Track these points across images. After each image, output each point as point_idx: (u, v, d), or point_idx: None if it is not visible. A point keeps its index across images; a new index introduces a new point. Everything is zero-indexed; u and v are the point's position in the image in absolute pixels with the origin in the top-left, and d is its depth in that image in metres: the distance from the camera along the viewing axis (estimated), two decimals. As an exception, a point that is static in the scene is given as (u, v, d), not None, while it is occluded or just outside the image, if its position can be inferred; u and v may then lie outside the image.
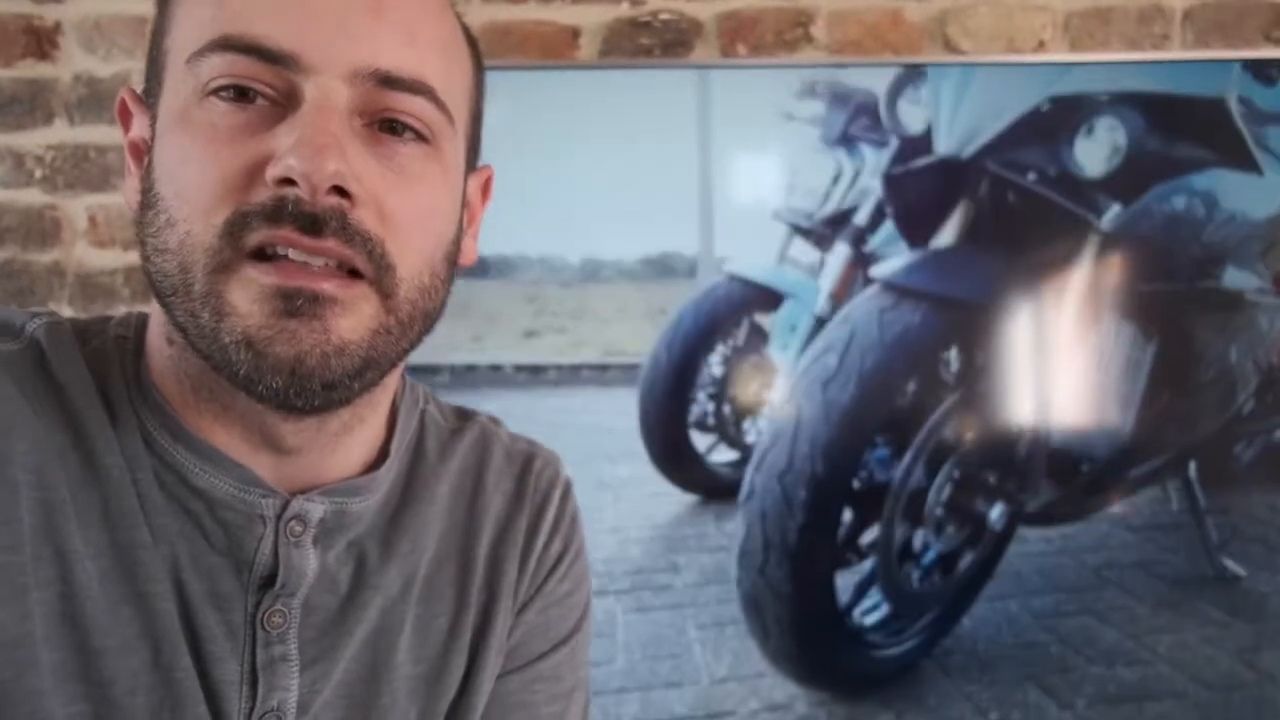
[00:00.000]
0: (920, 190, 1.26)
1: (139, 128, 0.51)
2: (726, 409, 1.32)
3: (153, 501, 0.48)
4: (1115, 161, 1.22)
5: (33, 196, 1.41)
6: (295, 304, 0.44)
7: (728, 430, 1.32)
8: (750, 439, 1.30)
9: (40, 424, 0.47)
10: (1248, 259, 1.23)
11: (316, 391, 0.45)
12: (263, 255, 0.44)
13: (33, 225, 1.41)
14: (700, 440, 1.32)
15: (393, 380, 0.55)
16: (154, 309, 0.50)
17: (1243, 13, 1.33)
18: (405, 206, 0.47)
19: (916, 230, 1.26)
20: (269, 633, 0.50)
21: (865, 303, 1.24)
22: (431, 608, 0.58)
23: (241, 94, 0.45)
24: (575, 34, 1.39)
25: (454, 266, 0.53)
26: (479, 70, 0.56)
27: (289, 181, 0.43)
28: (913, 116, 1.26)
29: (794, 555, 1.24)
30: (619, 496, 1.30)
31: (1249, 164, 1.22)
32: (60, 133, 1.41)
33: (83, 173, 1.41)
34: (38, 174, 1.41)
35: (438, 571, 0.59)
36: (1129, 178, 1.22)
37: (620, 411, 1.29)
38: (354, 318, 0.46)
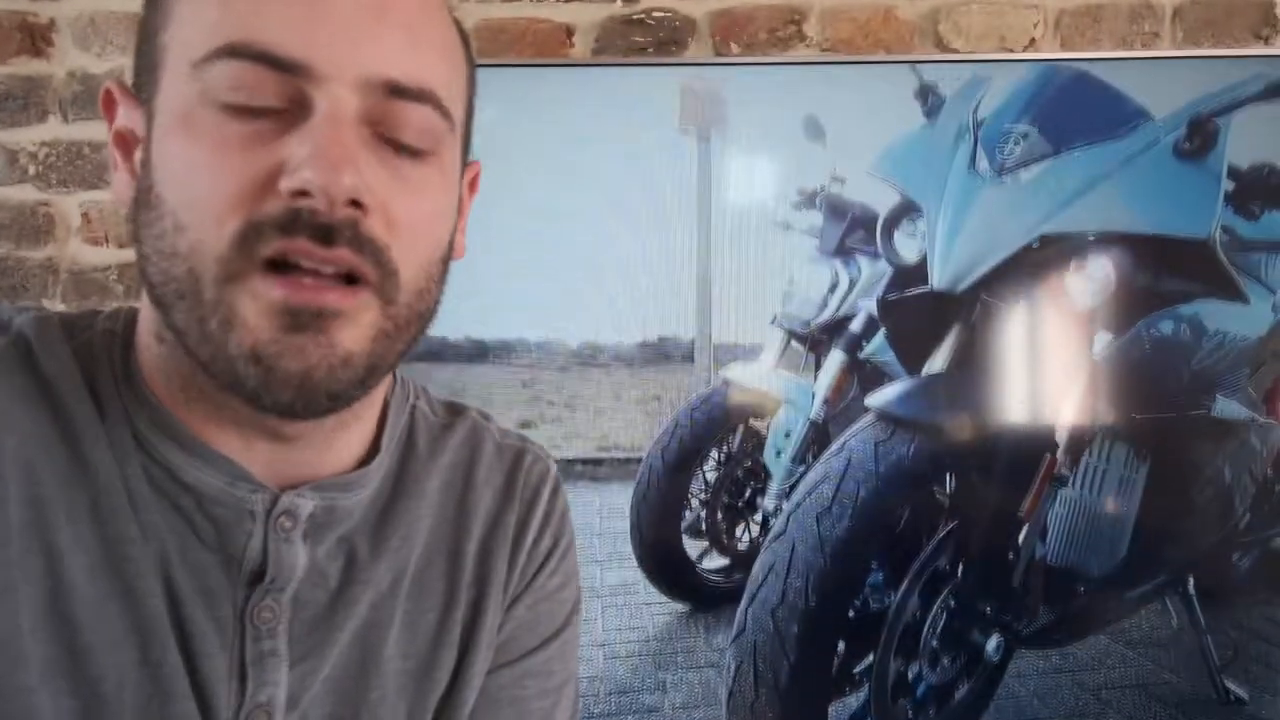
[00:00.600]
0: (914, 317, 1.28)
1: (128, 119, 0.50)
2: (719, 515, 1.32)
3: (141, 497, 0.48)
4: (1104, 294, 1.24)
5: (26, 193, 1.41)
6: (301, 319, 0.44)
7: (720, 537, 1.32)
8: (742, 546, 1.30)
9: (28, 419, 0.47)
10: (1238, 386, 1.24)
11: (322, 402, 0.46)
12: (272, 265, 0.44)
13: (26, 222, 1.41)
14: (692, 547, 1.32)
15: (387, 376, 0.55)
16: (144, 305, 0.50)
17: (1232, 11, 1.34)
18: (410, 213, 0.48)
19: (910, 353, 1.28)
20: (258, 628, 0.50)
21: (860, 433, 1.24)
22: (421, 603, 0.58)
23: (250, 102, 0.44)
24: (569, 32, 1.39)
25: (447, 265, 0.53)
26: (472, 67, 0.56)
27: (304, 193, 0.43)
28: (908, 247, 1.28)
29: (786, 694, 1.21)
30: (608, 605, 1.29)
31: (1235, 294, 1.23)
32: (54, 129, 1.41)
33: (76, 170, 1.41)
34: (31, 170, 1.41)
35: (427, 566, 0.59)
36: (1118, 309, 1.24)
37: (612, 511, 1.29)
38: (357, 328, 0.46)
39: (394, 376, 0.61)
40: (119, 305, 0.54)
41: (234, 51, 0.43)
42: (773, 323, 1.30)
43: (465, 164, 0.57)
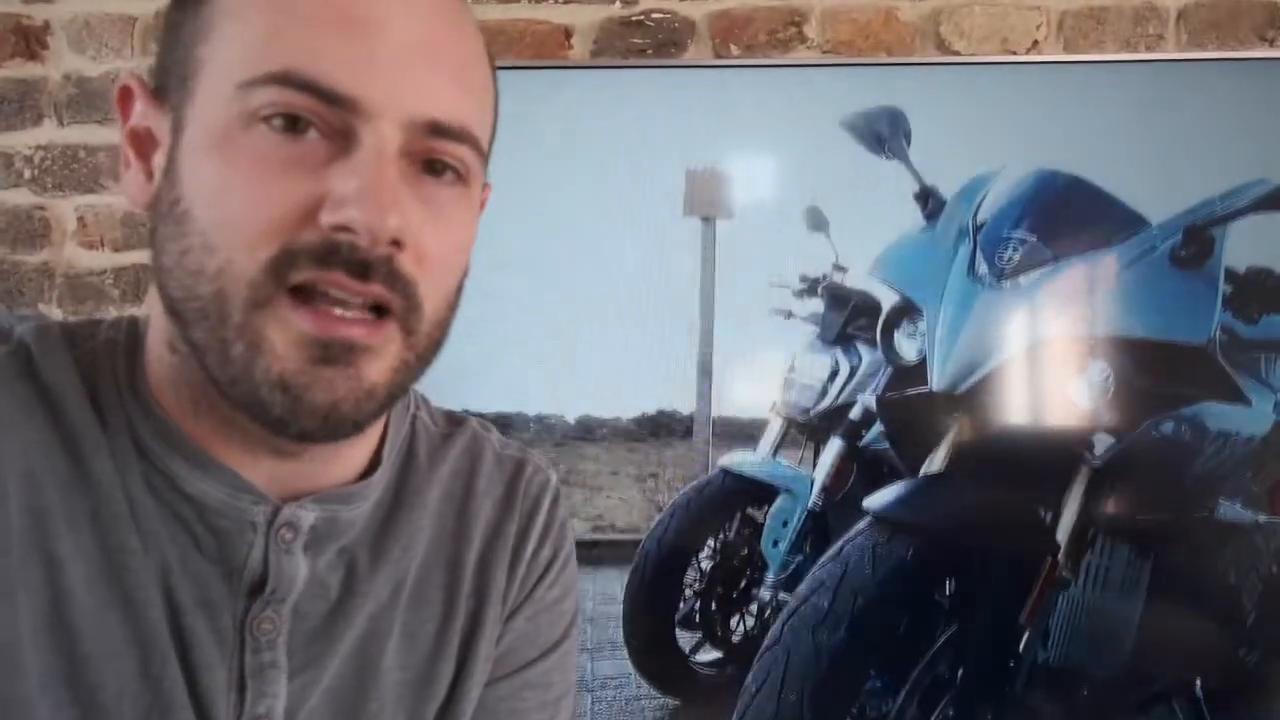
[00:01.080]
0: (913, 416, 1.28)
1: (145, 118, 0.49)
2: (714, 606, 1.31)
3: (143, 507, 0.48)
4: (1104, 398, 1.23)
5: (21, 197, 1.40)
6: (331, 352, 0.45)
7: (713, 629, 1.31)
8: (737, 638, 1.29)
9: (29, 428, 0.46)
10: (1242, 487, 1.23)
11: (345, 430, 0.47)
12: (299, 291, 0.44)
13: (21, 226, 1.40)
14: (685, 639, 1.31)
15: None
16: (153, 314, 0.50)
17: (1236, 13, 1.33)
18: (440, 248, 0.48)
19: (909, 452, 1.27)
20: (258, 639, 0.50)
21: (857, 538, 1.23)
22: (420, 613, 0.58)
23: (293, 124, 0.44)
24: (568, 33, 1.38)
25: (462, 289, 0.54)
26: (496, 93, 0.56)
27: (347, 229, 0.43)
28: (908, 347, 1.28)
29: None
30: (597, 699, 1.27)
31: (1236, 396, 1.23)
32: (49, 133, 1.40)
33: (72, 173, 1.40)
34: (27, 174, 1.40)
35: (426, 577, 0.58)
36: (1118, 412, 1.24)
37: (606, 597, 1.28)
38: (382, 360, 0.47)
39: None
40: (120, 314, 0.54)
41: (286, 79, 0.43)
42: (772, 410, 1.30)
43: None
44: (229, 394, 0.45)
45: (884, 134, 1.27)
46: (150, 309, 0.51)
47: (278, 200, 0.43)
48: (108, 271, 1.40)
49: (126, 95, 0.51)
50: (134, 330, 0.52)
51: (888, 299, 1.28)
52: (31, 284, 1.40)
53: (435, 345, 0.51)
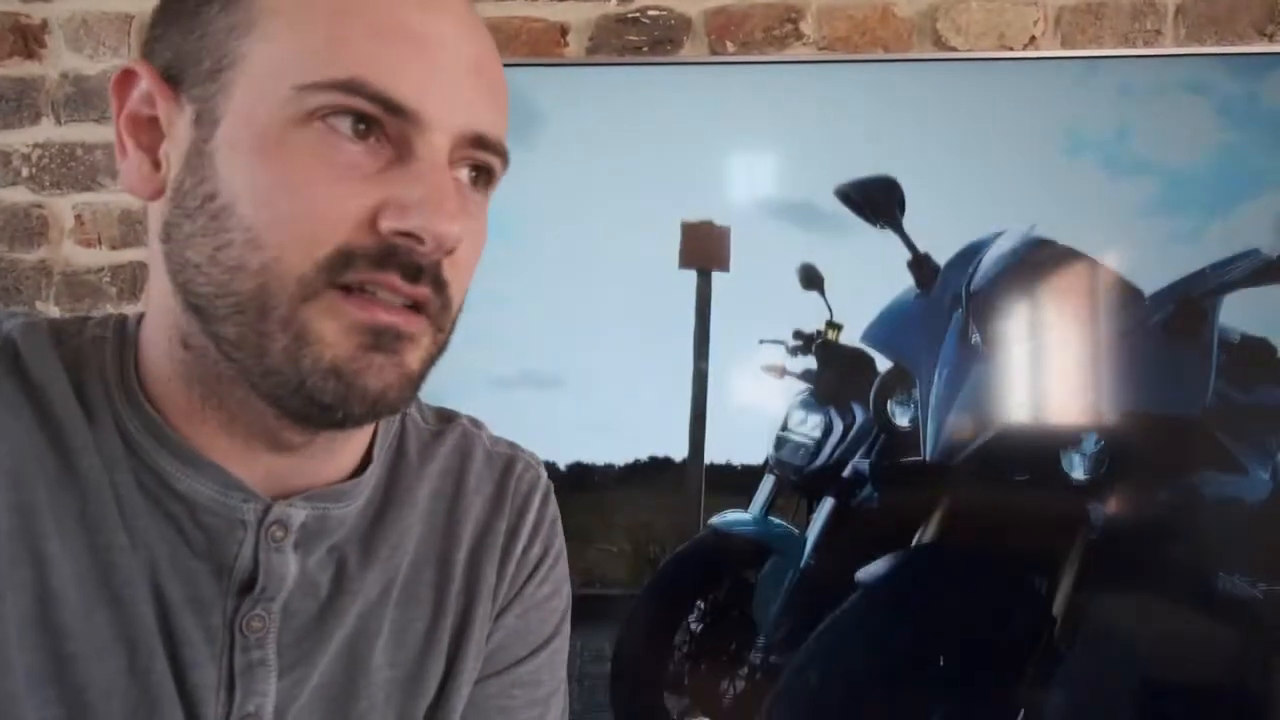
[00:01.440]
0: (906, 484, 1.28)
1: (151, 106, 0.48)
2: (703, 669, 1.29)
3: (131, 504, 0.48)
4: (1098, 470, 1.23)
5: (19, 195, 1.41)
6: (383, 339, 0.46)
7: (702, 696, 1.29)
8: (726, 702, 1.28)
9: (17, 425, 0.46)
10: (1241, 560, 1.22)
11: (385, 415, 0.49)
12: (345, 287, 0.45)
13: (19, 224, 1.41)
14: (673, 702, 1.29)
15: None
16: (154, 310, 0.50)
17: (1235, 7, 1.32)
18: (470, 253, 0.50)
19: (903, 519, 1.26)
20: (247, 637, 0.50)
21: (849, 611, 1.23)
22: (409, 611, 0.58)
23: (359, 126, 0.45)
24: (563, 31, 1.38)
25: None
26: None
27: (410, 235, 0.45)
28: (901, 414, 1.28)
29: None
30: None
31: (1233, 466, 1.22)
32: (47, 131, 1.41)
33: (69, 171, 1.41)
34: (24, 172, 1.41)
35: (416, 575, 0.58)
36: (1113, 483, 1.24)
37: (595, 654, 1.27)
38: (419, 350, 0.48)
39: None
40: (109, 312, 0.54)
41: (352, 87, 0.44)
42: (765, 467, 1.30)
43: None
44: (261, 387, 0.46)
45: (878, 203, 1.27)
46: (148, 306, 0.51)
47: (340, 203, 0.44)
48: (105, 269, 1.40)
49: (128, 79, 0.49)
50: (122, 328, 0.52)
51: (882, 361, 1.28)
52: (29, 282, 1.40)
53: (448, 340, 0.53)
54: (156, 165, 0.48)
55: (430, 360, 0.50)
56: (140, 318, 0.52)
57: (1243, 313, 1.22)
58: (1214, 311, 1.21)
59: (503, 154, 0.51)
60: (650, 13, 1.37)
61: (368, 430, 0.56)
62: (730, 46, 1.37)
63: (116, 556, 0.47)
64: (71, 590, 0.45)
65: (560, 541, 0.68)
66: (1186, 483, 1.23)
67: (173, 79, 0.48)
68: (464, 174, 0.50)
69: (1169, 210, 1.24)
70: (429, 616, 0.58)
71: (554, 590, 0.66)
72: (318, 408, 0.46)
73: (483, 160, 0.50)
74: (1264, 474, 1.22)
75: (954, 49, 1.34)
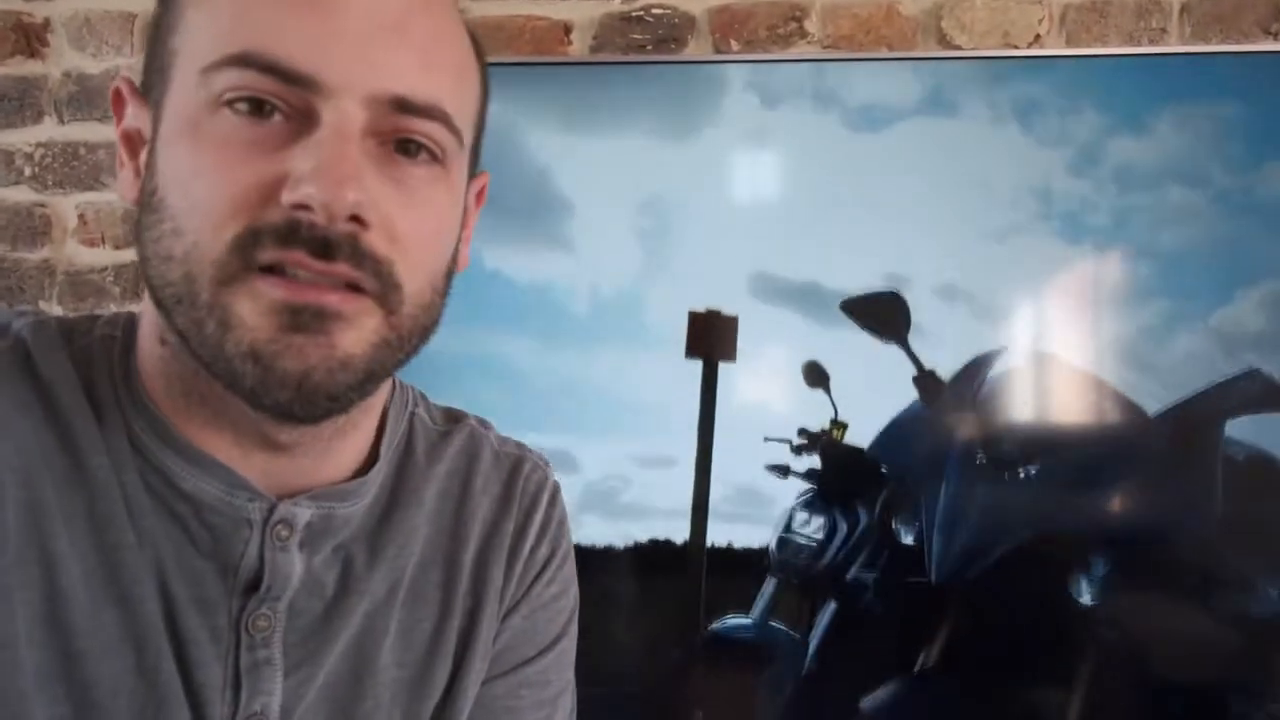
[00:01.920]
0: (910, 603, 1.26)
1: (136, 119, 0.50)
2: None
3: (138, 504, 0.48)
4: (1109, 590, 1.22)
5: (22, 194, 1.41)
6: (302, 319, 0.44)
7: None
8: None
9: (26, 424, 0.46)
10: (1258, 680, 1.21)
11: (321, 404, 0.46)
12: (270, 270, 0.44)
13: (22, 223, 1.41)
14: None
15: (385, 384, 0.55)
16: (146, 310, 0.50)
17: (1241, 6, 1.32)
18: (415, 229, 0.48)
19: (906, 640, 1.25)
20: (253, 636, 0.50)
21: None
22: (416, 611, 0.58)
23: (257, 107, 0.44)
24: (567, 29, 1.38)
25: (451, 277, 0.54)
26: (485, 82, 0.56)
27: (305, 206, 0.43)
28: (905, 531, 1.27)
29: None
30: None
31: (1242, 584, 1.21)
32: (50, 130, 1.41)
33: (72, 171, 1.41)
34: (27, 171, 1.40)
35: (423, 575, 0.58)
36: (1121, 607, 1.22)
37: None
38: (357, 331, 0.46)
39: (394, 383, 0.61)
40: (117, 310, 0.55)
41: (245, 60, 0.44)
42: (766, 570, 1.28)
43: (473, 176, 0.57)
44: (212, 373, 0.45)
45: (885, 320, 1.26)
46: (143, 304, 0.51)
47: (241, 180, 0.44)
48: (109, 269, 1.40)
49: (119, 98, 0.51)
50: (130, 326, 0.52)
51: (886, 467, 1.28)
52: (32, 281, 1.40)
53: (422, 330, 0.51)
54: (139, 173, 0.49)
55: (384, 345, 0.48)
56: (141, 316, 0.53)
57: (1248, 426, 1.22)
58: (1219, 430, 1.21)
59: (442, 118, 0.48)
60: (654, 11, 1.37)
61: (366, 430, 0.56)
62: (734, 45, 1.37)
63: (124, 555, 0.47)
64: (80, 589, 0.46)
65: (568, 542, 0.68)
66: (1198, 600, 1.22)
67: (145, 89, 0.50)
68: (392, 146, 0.47)
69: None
70: (436, 617, 0.58)
71: (562, 590, 0.66)
72: (245, 394, 0.45)
73: (414, 129, 0.47)
74: (1273, 590, 1.21)
75: (958, 47, 1.34)
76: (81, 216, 1.41)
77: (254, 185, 0.44)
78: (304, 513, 0.51)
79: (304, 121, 0.45)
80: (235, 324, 0.44)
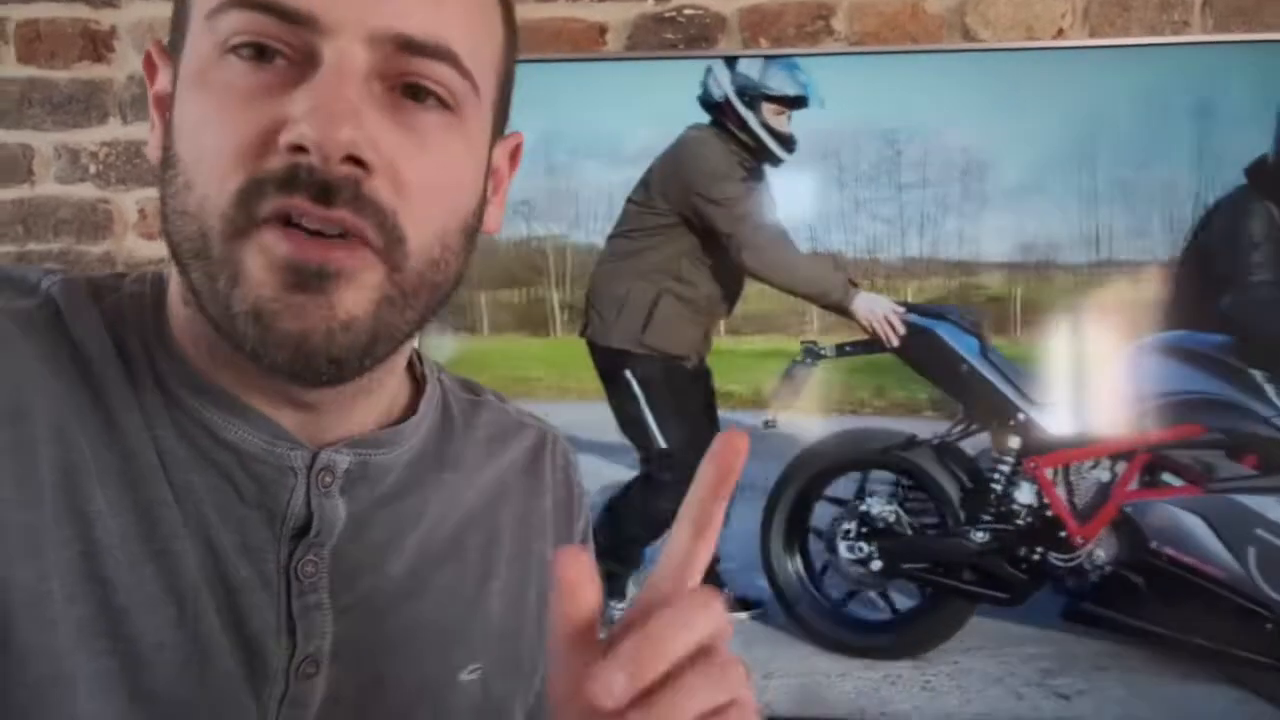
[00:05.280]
0: None
1: (163, 81, 0.50)
2: None
3: (175, 458, 0.48)
4: None
5: (87, 191, 1.48)
6: (304, 277, 0.43)
7: None
8: None
9: (59, 382, 0.46)
10: None
11: (323, 367, 0.45)
12: (279, 221, 0.43)
13: (86, 218, 1.48)
14: None
15: (407, 346, 0.54)
16: (174, 268, 0.50)
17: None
18: (422, 177, 0.46)
19: None
20: (302, 582, 0.50)
21: None
22: (458, 569, 0.59)
23: (259, 52, 0.43)
24: (602, 30, 1.43)
25: (472, 237, 0.52)
26: (511, 32, 0.54)
27: (302, 149, 0.42)
28: None
29: None
30: None
31: None
32: (114, 130, 1.48)
33: (134, 168, 1.48)
34: (92, 169, 1.48)
35: (464, 535, 0.59)
36: None
37: None
38: (359, 290, 0.45)
39: (416, 351, 0.61)
40: (144, 269, 0.53)
41: (242, 2, 0.43)
42: None
43: (502, 134, 0.56)
44: (220, 334, 0.45)
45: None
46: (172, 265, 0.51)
47: (242, 128, 0.43)
48: (165, 261, 1.46)
49: (149, 62, 0.51)
50: (159, 284, 0.52)
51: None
52: (94, 273, 1.47)
53: (432, 288, 0.49)
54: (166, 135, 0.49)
55: (389, 304, 0.46)
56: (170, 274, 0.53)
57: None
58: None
59: (452, 60, 0.46)
60: (686, 11, 1.42)
61: (390, 388, 0.56)
62: (764, 43, 1.41)
63: (161, 511, 0.47)
64: (117, 545, 0.45)
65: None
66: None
67: (171, 48, 0.49)
68: (401, 90, 0.46)
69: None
70: (477, 577, 0.59)
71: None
72: (247, 354, 0.44)
73: (420, 70, 0.45)
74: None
75: (982, 41, 1.37)
76: (142, 211, 1.48)
77: (255, 133, 0.43)
78: (343, 459, 0.52)
79: (306, 65, 0.43)
80: (243, 279, 0.43)
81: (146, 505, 0.47)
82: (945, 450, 1.37)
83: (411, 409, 0.58)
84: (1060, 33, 1.37)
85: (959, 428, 1.37)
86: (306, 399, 0.50)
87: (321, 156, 0.42)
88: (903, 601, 1.38)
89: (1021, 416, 1.35)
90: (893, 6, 1.39)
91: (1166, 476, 1.32)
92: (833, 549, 1.40)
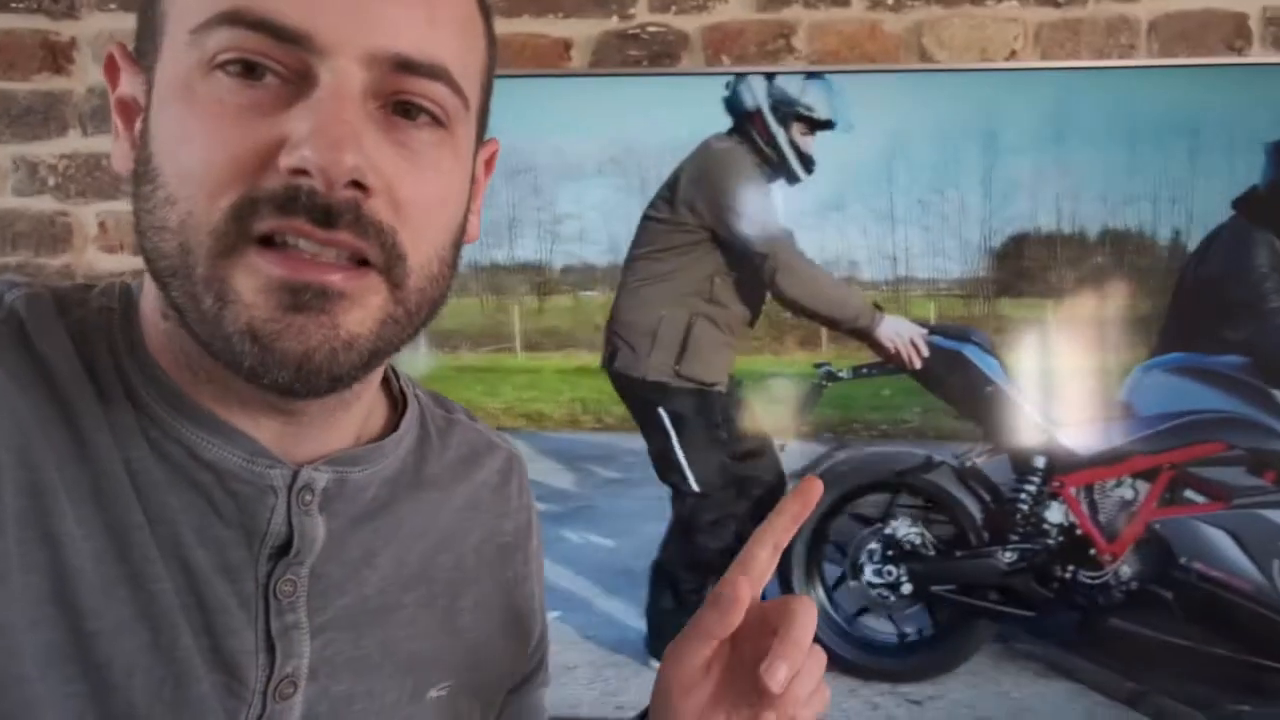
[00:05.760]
0: None
1: (129, 86, 0.48)
2: None
3: (149, 478, 0.47)
4: None
5: (45, 204, 1.47)
6: (303, 298, 0.43)
7: None
8: None
9: (23, 400, 0.44)
10: None
11: (323, 384, 0.45)
12: (268, 241, 0.43)
13: (44, 231, 1.47)
14: None
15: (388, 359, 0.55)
16: (147, 281, 0.49)
17: (1206, 23, 1.39)
18: (419, 196, 0.46)
19: None
20: (280, 601, 0.50)
21: None
22: (429, 589, 0.59)
23: (250, 69, 0.43)
24: (567, 46, 1.45)
25: (459, 249, 0.52)
26: (492, 44, 0.54)
27: (303, 172, 0.42)
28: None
29: None
30: None
31: None
32: (74, 142, 1.47)
33: (94, 180, 1.47)
34: (51, 181, 1.47)
35: (436, 556, 0.59)
36: None
37: None
38: (362, 310, 0.45)
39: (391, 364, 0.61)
40: (110, 280, 0.52)
41: (235, 18, 0.42)
42: None
43: (481, 142, 0.56)
44: (210, 350, 0.45)
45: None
46: (146, 277, 0.50)
47: (236, 145, 0.42)
48: (126, 274, 1.45)
49: (112, 65, 0.49)
50: (127, 296, 0.51)
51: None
52: (53, 286, 1.46)
53: (430, 303, 0.49)
54: (134, 144, 0.47)
55: (391, 322, 0.47)
56: (140, 286, 0.51)
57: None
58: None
59: (446, 79, 0.46)
60: (650, 29, 1.44)
61: (366, 400, 0.55)
62: (726, 61, 1.44)
63: (132, 534, 0.46)
64: (90, 569, 0.44)
65: None
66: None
67: (139, 55, 0.48)
68: (393, 108, 0.46)
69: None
70: (447, 596, 0.59)
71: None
72: (245, 373, 0.44)
73: (415, 90, 0.46)
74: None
75: (938, 62, 1.41)
76: (102, 224, 1.47)
77: (250, 150, 0.42)
78: (321, 477, 0.52)
79: (300, 83, 0.43)
80: (233, 299, 0.43)
81: (120, 526, 0.46)
82: (966, 472, 1.39)
83: (389, 423, 0.58)
84: (1013, 54, 1.41)
85: (981, 449, 1.39)
86: (289, 408, 0.49)
87: (325, 181, 0.42)
88: (915, 625, 1.40)
89: (1046, 437, 1.38)
90: (851, 26, 1.42)
91: (1189, 493, 1.36)
92: (857, 575, 1.40)
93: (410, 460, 0.59)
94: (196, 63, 0.43)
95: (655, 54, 1.44)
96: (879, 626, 1.40)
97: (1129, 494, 1.37)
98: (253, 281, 0.43)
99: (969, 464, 1.38)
